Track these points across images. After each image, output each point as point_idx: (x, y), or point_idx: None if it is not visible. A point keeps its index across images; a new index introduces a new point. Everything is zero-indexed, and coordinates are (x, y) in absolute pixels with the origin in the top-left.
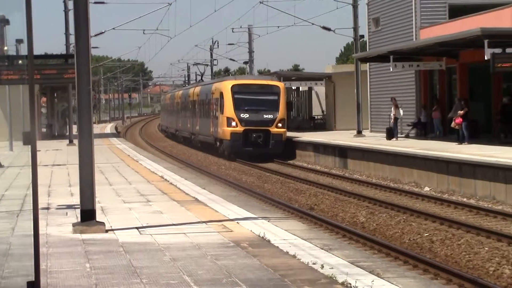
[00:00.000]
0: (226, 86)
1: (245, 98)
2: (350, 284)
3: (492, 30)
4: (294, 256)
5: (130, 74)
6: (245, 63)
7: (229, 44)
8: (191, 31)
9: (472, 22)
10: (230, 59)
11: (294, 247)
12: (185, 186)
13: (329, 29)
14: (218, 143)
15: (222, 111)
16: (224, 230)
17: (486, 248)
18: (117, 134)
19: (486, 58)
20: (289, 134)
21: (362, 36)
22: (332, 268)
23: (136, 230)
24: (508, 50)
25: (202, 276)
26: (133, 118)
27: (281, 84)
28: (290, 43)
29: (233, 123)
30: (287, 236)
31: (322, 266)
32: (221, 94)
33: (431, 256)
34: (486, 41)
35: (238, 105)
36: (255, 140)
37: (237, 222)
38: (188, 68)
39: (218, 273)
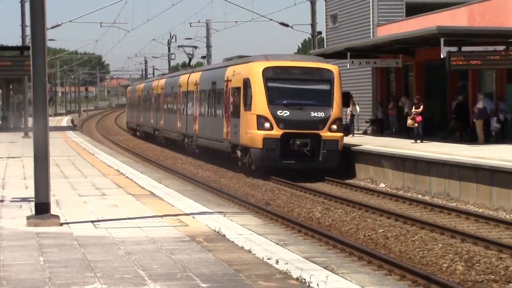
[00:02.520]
0: (254, 70)
1: (284, 87)
2: (304, 279)
3: (448, 28)
4: (249, 251)
5: (87, 67)
6: (203, 57)
7: (186, 38)
8: (148, 25)
9: (429, 21)
10: (189, 54)
11: (249, 242)
12: (141, 180)
13: (287, 25)
14: (239, 152)
15: (248, 107)
16: (179, 224)
17: (440, 245)
18: (73, 127)
19: (442, 56)
20: None
21: (320, 33)
22: (287, 264)
23: (91, 223)
24: (464, 48)
25: (156, 271)
26: (90, 112)
27: (335, 68)
28: (248, 39)
29: (267, 124)
30: (242, 231)
31: (277, 261)
32: (246, 81)
33: (385, 252)
34: (442, 39)
35: (274, 98)
36: (299, 149)
37: (193, 217)
38: (146, 62)
39: (173, 267)
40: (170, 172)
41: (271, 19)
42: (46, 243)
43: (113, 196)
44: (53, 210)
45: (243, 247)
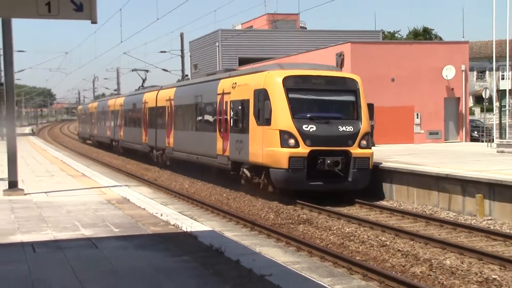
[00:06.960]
0: (273, 79)
1: (308, 99)
2: (178, 225)
3: None
4: (144, 209)
5: (41, 96)
6: (115, 90)
7: (105, 78)
8: (80, 70)
9: None
10: (106, 88)
11: (144, 203)
12: (77, 166)
13: (167, 71)
14: (246, 171)
15: (264, 121)
16: (101, 193)
17: (260, 203)
18: (32, 133)
19: None
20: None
21: (187, 75)
22: (167, 216)
23: (44, 194)
24: None
25: (86, 222)
26: (43, 124)
27: (358, 77)
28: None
29: (291, 141)
30: (140, 197)
31: (161, 215)
32: (260, 93)
33: (227, 208)
34: None
35: (297, 111)
36: (329, 168)
37: (109, 188)
38: (79, 93)
39: (97, 219)
40: (95, 161)
41: (156, 67)
42: (16, 206)
43: (59, 177)
44: (20, 185)
45: (140, 206)
